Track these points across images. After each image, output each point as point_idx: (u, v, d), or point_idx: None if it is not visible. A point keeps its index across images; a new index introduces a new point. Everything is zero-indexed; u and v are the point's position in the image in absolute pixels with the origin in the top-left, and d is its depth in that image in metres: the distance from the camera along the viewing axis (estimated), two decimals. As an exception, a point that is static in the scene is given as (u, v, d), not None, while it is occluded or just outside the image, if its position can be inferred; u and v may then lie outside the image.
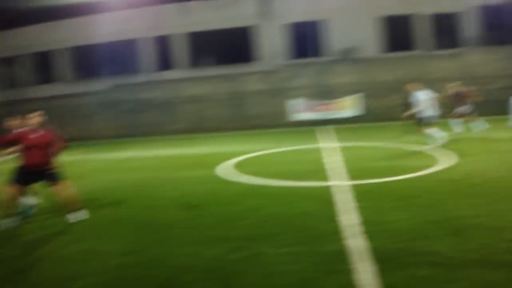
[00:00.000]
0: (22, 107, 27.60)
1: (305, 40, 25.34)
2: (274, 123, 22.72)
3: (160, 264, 5.14)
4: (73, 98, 26.33)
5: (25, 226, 7.36)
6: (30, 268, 5.41)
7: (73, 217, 7.41)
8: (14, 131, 7.91)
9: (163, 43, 26.56)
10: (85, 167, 14.16)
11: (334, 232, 5.71)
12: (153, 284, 4.61)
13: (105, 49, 27.05)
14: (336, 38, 24.60)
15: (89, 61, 27.74)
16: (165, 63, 26.58)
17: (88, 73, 28.04)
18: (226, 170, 11.02)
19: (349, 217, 6.29)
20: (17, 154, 7.68)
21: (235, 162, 12.19)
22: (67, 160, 16.76)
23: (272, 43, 25.32)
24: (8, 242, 6.55)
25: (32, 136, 7.48)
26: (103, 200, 8.90)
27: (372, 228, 5.75)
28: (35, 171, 7.40)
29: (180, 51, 26.07)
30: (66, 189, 7.60)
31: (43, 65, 29.54)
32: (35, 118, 7.65)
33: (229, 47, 25.75)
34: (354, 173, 9.31)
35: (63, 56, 28.19)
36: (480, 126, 15.12)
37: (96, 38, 26.68)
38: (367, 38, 24.76)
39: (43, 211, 8.29)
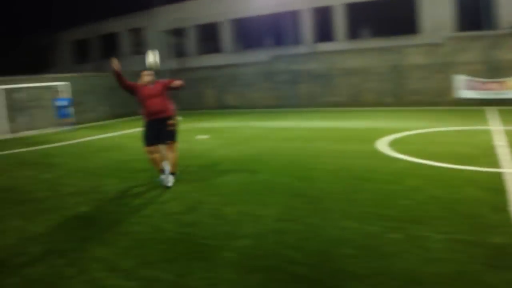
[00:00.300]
0: (187, 75, 29.71)
1: (475, 9, 23.03)
2: (436, 100, 21.27)
3: (316, 234, 5.12)
4: (233, 68, 27.51)
5: (181, 186, 7.88)
6: (196, 223, 5.77)
7: (170, 178, 7.87)
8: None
9: (322, 14, 26.28)
10: (242, 133, 14.75)
11: (503, 224, 5.13)
12: (309, 253, 4.60)
13: (265, 21, 27.64)
14: (510, 8, 21.98)
15: (250, 32, 28.61)
16: (324, 34, 26.30)
17: (249, 44, 28.98)
18: (384, 146, 10.61)
19: (524, 209, 5.61)
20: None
21: (393, 139, 11.68)
22: (225, 125, 17.77)
23: (436, 13, 23.51)
24: (172, 199, 7.07)
25: (147, 88, 8.09)
26: (257, 166, 9.16)
27: (554, 224, 5.06)
28: (156, 119, 7.93)
29: (339, 22, 25.56)
30: (176, 151, 8.13)
31: (207, 37, 31.26)
32: (146, 77, 8.23)
33: (389, 18, 24.47)
34: (530, 160, 8.30)
35: (225, 28, 29.47)
36: None
37: (257, 10, 27.34)
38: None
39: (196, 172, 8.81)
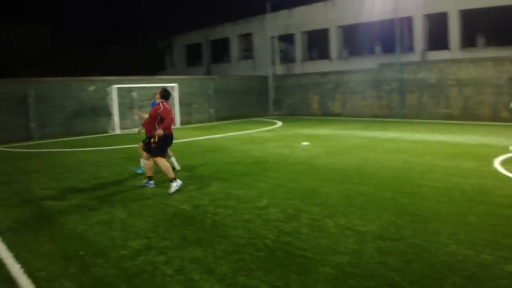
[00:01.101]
0: (292, 81, 29.75)
1: None
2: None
3: (422, 257, 4.73)
4: (339, 75, 27.08)
5: (281, 193, 7.75)
6: (295, 233, 5.64)
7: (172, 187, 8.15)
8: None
9: (435, 21, 24.95)
10: (346, 142, 14.38)
11: None
12: (412, 277, 4.25)
13: (374, 28, 26.86)
14: None
15: (358, 39, 27.97)
16: (436, 42, 24.95)
17: (356, 51, 28.37)
18: (500, 165, 9.74)
19: None
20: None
21: (511, 158, 10.71)
22: (329, 133, 17.47)
23: None
24: (273, 206, 6.98)
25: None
26: (360, 178, 8.82)
27: None
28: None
29: (453, 30, 24.05)
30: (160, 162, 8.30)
31: (315, 43, 31.09)
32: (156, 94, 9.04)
33: (507, 25, 22.53)
34: None
35: (333, 35, 29.11)
36: None
37: (366, 17, 26.66)
38: None
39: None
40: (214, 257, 4.90)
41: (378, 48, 27.35)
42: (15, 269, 4.88)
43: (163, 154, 8.47)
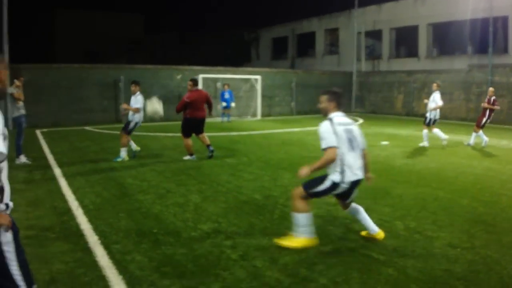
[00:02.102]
0: (377, 78, 29.11)
1: None
2: None
3: (491, 269, 4.54)
4: (426, 74, 26.10)
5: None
6: (362, 237, 5.63)
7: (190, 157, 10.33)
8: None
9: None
10: (428, 144, 13.91)
11: None
12: (479, 289, 4.13)
13: (466, 26, 25.60)
14: None
15: (449, 38, 26.80)
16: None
17: (446, 50, 27.22)
18: None
19: None
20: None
21: None
22: (411, 133, 16.96)
23: None
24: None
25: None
26: (437, 182, 8.52)
27: None
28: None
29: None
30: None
31: (403, 40, 30.18)
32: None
33: None
34: None
35: (423, 32, 28.07)
36: None
37: (459, 15, 25.43)
38: None
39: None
40: (279, 248, 5.02)
41: (469, 48, 26.05)
42: (93, 240, 5.30)
43: (186, 135, 10.59)
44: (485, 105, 13.73)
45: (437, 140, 13.67)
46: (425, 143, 13.19)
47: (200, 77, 22.43)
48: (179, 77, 22.92)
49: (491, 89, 13.95)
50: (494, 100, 13.73)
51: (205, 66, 24.36)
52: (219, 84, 23.62)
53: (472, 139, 13.73)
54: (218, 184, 8.16)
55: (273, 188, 7.85)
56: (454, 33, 26.15)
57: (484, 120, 13.63)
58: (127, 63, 25.75)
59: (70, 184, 8.13)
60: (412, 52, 28.96)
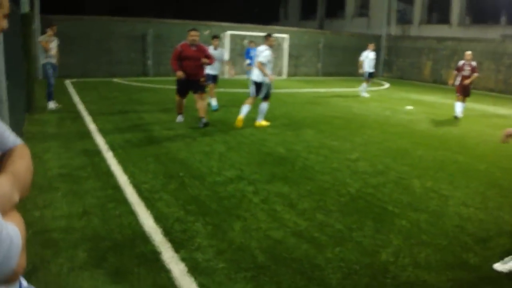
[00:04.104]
0: (406, 43, 28.63)
1: None
2: None
3: (500, 228, 4.70)
4: (457, 42, 25.55)
5: (374, 150, 7.84)
6: (380, 187, 5.83)
7: (203, 121, 9.11)
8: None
9: None
10: (451, 112, 13.86)
11: None
12: (486, 244, 4.30)
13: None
14: None
15: (484, 6, 26.03)
16: None
17: (479, 19, 26.49)
18: None
19: None
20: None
21: None
22: (436, 100, 16.86)
23: None
24: (362, 159, 7.16)
25: (189, 49, 9.16)
26: (457, 147, 8.60)
27: None
28: (187, 80, 9.14)
29: None
30: (205, 100, 9.45)
31: (435, 5, 29.41)
32: (192, 37, 9.29)
33: None
34: None
35: (461, -2, 27.32)
36: None
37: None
38: None
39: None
40: (298, 195, 5.28)
41: (503, 19, 25.31)
42: (123, 179, 5.63)
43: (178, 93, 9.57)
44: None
45: (468, 111, 13.58)
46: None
47: (228, 33, 22.42)
48: (206, 32, 22.93)
49: (468, 52, 12.79)
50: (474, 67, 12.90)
51: (233, 23, 24.27)
52: (245, 42, 23.58)
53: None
54: (242, 136, 8.41)
55: (296, 143, 8.08)
56: (488, 2, 25.39)
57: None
58: (155, 17, 25.77)
59: (100, 130, 8.47)
60: (444, 19, 28.24)
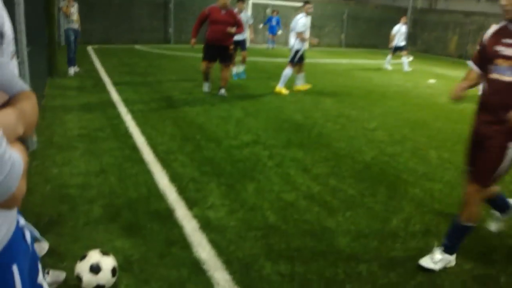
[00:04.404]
0: (433, 17, 27.96)
1: None
2: None
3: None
4: (483, 17, 24.88)
5: (392, 120, 7.77)
6: (396, 156, 5.81)
7: (222, 91, 8.90)
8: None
9: None
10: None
11: None
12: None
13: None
14: None
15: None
16: None
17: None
18: None
19: None
20: None
21: None
22: (461, 75, 16.52)
23: None
24: (380, 129, 7.11)
25: (219, 13, 8.57)
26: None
27: None
28: (215, 45, 8.67)
29: None
30: (229, 71, 9.18)
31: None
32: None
33: None
34: None
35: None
36: None
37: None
38: None
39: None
40: (312, 160, 5.30)
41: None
42: (141, 140, 5.71)
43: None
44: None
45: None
46: None
47: (250, 2, 22.17)
48: (228, 0, 22.72)
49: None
50: None
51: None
52: (268, 10, 23.32)
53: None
54: (260, 103, 8.42)
55: (314, 111, 8.05)
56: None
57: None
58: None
59: (120, 93, 8.55)
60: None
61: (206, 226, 3.58)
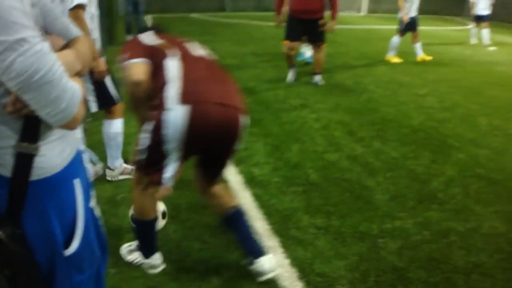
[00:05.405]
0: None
1: None
2: None
3: None
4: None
5: (444, 88, 7.67)
6: (445, 121, 5.81)
7: (317, 79, 7.35)
8: None
9: None
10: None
11: None
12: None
13: None
14: None
15: None
16: None
17: None
18: None
19: None
20: None
21: None
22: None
23: None
24: (431, 95, 7.06)
25: None
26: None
27: None
28: (303, 19, 6.87)
29: None
30: (323, 51, 7.30)
31: None
32: None
33: None
34: None
35: None
36: None
37: None
38: None
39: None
40: (359, 124, 5.42)
41: None
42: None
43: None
44: None
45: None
46: None
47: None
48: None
49: None
50: None
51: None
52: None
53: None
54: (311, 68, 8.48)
55: (365, 76, 8.08)
56: None
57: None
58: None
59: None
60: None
61: (250, 181, 3.83)
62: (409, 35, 9.95)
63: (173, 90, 2.27)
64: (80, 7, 3.17)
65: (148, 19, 16.47)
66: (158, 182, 2.40)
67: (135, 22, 11.06)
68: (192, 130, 2.23)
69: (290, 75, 7.45)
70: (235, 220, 2.64)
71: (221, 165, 2.61)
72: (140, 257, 2.71)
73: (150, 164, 2.40)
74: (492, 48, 13.20)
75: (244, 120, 2.43)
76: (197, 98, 2.26)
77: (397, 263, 2.87)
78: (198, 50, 2.59)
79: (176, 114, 2.21)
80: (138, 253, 2.73)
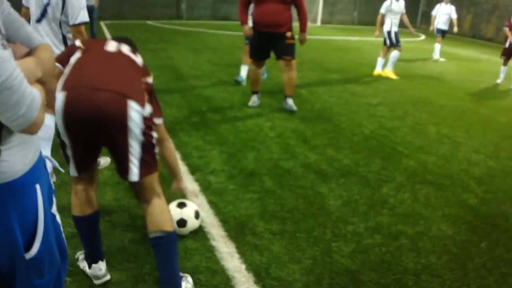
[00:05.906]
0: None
1: None
2: None
3: (510, 177, 4.86)
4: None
5: (395, 97, 7.93)
6: (394, 130, 6.01)
7: (290, 103, 6.43)
8: None
9: None
10: (486, 67, 13.61)
11: None
12: (490, 189, 4.45)
13: None
14: None
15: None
16: None
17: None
18: None
19: None
20: None
21: None
22: (472, 55, 16.48)
23: None
24: (382, 105, 7.28)
25: None
26: (481, 99, 8.60)
27: None
28: (265, 32, 6.10)
29: None
30: (293, 69, 6.40)
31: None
32: None
33: None
34: None
35: None
36: None
37: None
38: None
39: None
40: (312, 132, 5.55)
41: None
42: (150, 110, 5.95)
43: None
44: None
45: (497, 65, 13.30)
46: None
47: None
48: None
49: None
50: None
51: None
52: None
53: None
54: (268, 78, 8.57)
55: (319, 86, 8.26)
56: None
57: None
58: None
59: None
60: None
61: (206, 188, 3.86)
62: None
63: (61, 79, 2.30)
64: (84, 23, 3.87)
65: (103, 26, 16.24)
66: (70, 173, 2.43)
67: (88, 28, 10.89)
68: (66, 114, 2.22)
69: (254, 99, 6.61)
70: (157, 245, 2.47)
71: (120, 157, 2.37)
72: (86, 265, 2.66)
73: (65, 155, 2.43)
74: (441, 60, 13.72)
75: (132, 106, 2.25)
76: (72, 84, 2.25)
77: (350, 266, 2.96)
78: (112, 46, 2.55)
79: (57, 101, 2.23)
80: (84, 262, 2.69)
